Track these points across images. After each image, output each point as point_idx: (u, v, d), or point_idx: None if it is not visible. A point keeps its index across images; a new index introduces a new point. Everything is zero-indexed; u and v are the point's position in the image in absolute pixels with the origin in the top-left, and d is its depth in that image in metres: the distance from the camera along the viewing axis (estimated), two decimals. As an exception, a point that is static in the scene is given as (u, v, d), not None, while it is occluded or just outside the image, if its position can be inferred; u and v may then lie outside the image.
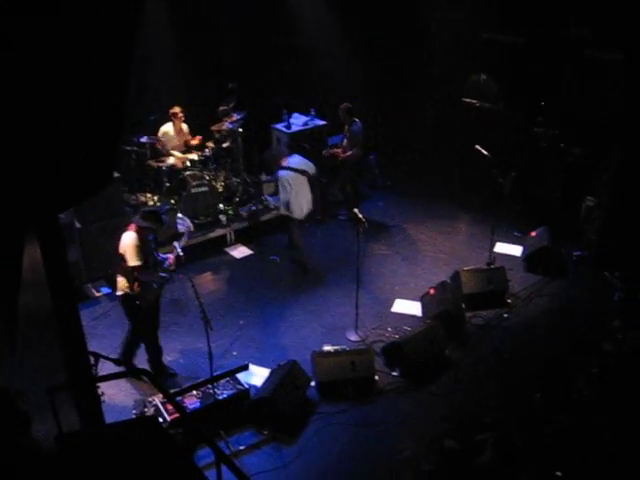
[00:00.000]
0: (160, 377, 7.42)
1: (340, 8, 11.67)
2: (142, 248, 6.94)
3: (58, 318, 3.89)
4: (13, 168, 2.22)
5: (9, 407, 2.12)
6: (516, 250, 10.19)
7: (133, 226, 7.02)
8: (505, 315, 8.82)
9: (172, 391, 6.78)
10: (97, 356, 4.42)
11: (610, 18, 9.21)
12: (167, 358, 7.97)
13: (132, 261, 6.91)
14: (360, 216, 8.13)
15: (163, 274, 7.26)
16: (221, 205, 10.52)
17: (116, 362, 5.37)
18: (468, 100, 12.38)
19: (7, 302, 2.70)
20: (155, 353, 7.61)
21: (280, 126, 11.23)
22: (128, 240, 6.95)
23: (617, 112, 9.45)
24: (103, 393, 5.04)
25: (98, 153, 2.35)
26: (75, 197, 2.50)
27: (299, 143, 11.01)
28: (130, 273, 7.01)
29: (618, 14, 8.95)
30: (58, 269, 3.88)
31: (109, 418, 5.59)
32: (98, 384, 4.66)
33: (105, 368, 6.80)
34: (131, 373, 4.04)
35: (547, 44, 10.60)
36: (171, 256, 7.41)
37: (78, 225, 8.88)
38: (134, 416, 6.76)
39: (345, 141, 10.93)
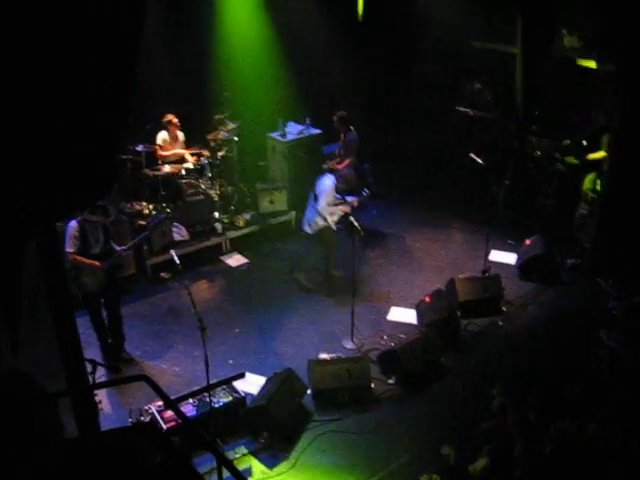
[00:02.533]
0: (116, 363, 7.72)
1: (333, 16, 11.75)
2: (80, 238, 7.41)
3: (56, 327, 3.91)
4: (13, 176, 2.24)
5: (36, 389, 2.11)
6: (510, 258, 10.23)
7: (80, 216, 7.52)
8: (500, 323, 8.86)
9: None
10: (94, 364, 4.43)
11: (602, 29, 9.28)
12: (162, 366, 8.02)
13: (66, 247, 7.39)
14: (356, 224, 8.17)
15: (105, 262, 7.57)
16: (216, 214, 10.52)
17: (113, 370, 5.38)
18: (462, 109, 12.47)
19: (7, 308, 2.71)
20: (111, 342, 8.03)
21: (275, 135, 11.27)
22: (67, 229, 7.50)
23: (608, 121, 9.53)
24: (100, 401, 5.04)
25: (98, 161, 2.38)
26: (74, 205, 2.52)
27: (294, 152, 11.06)
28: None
29: (610, 25, 9.02)
30: (56, 278, 3.91)
31: (106, 426, 5.60)
32: (95, 392, 4.67)
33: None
34: (128, 380, 4.05)
35: (540, 53, 10.67)
36: (121, 248, 7.83)
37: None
38: (131, 424, 6.76)
39: (341, 150, 10.99)
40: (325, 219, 9.00)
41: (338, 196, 9.12)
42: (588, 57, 10.53)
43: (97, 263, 7.52)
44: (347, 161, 10.82)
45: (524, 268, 9.84)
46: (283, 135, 11.18)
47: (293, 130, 11.34)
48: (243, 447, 6.86)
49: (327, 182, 9.06)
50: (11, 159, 2.21)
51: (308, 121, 11.38)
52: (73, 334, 4.06)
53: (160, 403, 6.72)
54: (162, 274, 9.76)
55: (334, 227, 9.18)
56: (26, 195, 2.30)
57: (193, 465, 2.60)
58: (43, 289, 3.85)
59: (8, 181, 2.24)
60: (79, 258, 7.46)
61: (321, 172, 11.20)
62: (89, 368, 4.56)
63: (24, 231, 2.61)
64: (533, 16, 10.49)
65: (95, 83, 2.18)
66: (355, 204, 9.20)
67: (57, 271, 3.90)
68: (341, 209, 9.07)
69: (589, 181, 6.43)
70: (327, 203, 8.93)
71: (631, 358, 7.51)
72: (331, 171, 10.98)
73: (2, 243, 2.68)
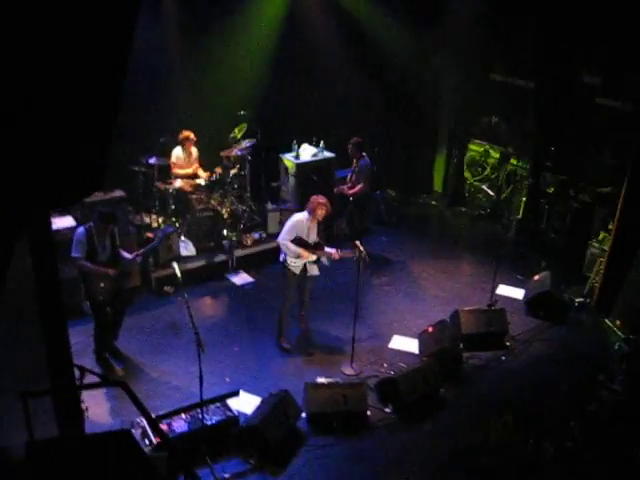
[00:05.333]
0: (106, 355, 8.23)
1: (354, 46, 11.83)
2: (87, 243, 7.52)
3: (44, 329, 3.87)
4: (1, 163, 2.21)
5: None
6: (518, 293, 10.10)
7: (89, 223, 7.72)
8: (503, 358, 8.72)
9: (160, 413, 6.70)
10: (83, 370, 4.37)
11: (621, 68, 9.25)
12: (158, 379, 7.96)
13: (73, 252, 7.54)
14: (361, 248, 8.09)
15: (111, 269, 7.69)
16: (225, 231, 10.50)
17: (102, 378, 5.32)
18: (477, 141, 12.43)
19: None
20: (104, 343, 8.22)
21: (289, 156, 11.28)
22: (75, 235, 7.66)
23: (624, 162, 9.45)
24: (87, 408, 4.97)
25: (89, 154, 2.35)
26: (64, 198, 2.49)
27: (307, 174, 11.05)
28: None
29: (630, 64, 8.99)
30: (48, 279, 3.87)
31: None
32: (82, 398, 4.60)
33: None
34: (106, 384, 3.99)
35: (558, 90, 10.65)
36: (131, 256, 8.00)
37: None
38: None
39: (353, 176, 10.96)
40: (286, 255, 8.27)
41: (332, 249, 8.32)
42: (608, 96, 10.46)
43: (108, 270, 7.64)
44: (358, 187, 10.79)
45: (531, 304, 9.71)
46: (296, 156, 11.19)
47: (307, 152, 11.34)
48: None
49: (296, 216, 8.40)
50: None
51: (323, 144, 11.37)
52: (62, 337, 4.01)
53: (153, 416, 6.64)
54: (166, 288, 9.74)
55: (296, 270, 8.33)
56: (15, 182, 2.27)
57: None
58: (34, 290, 3.82)
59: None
60: (87, 264, 7.58)
61: (332, 195, 11.25)
62: (77, 375, 4.52)
63: (14, 221, 2.58)
64: (554, 52, 10.51)
65: (87, 76, 2.16)
66: (335, 256, 8.28)
67: (50, 272, 3.86)
68: (302, 253, 8.17)
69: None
70: (288, 238, 8.17)
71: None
72: (341, 194, 10.98)
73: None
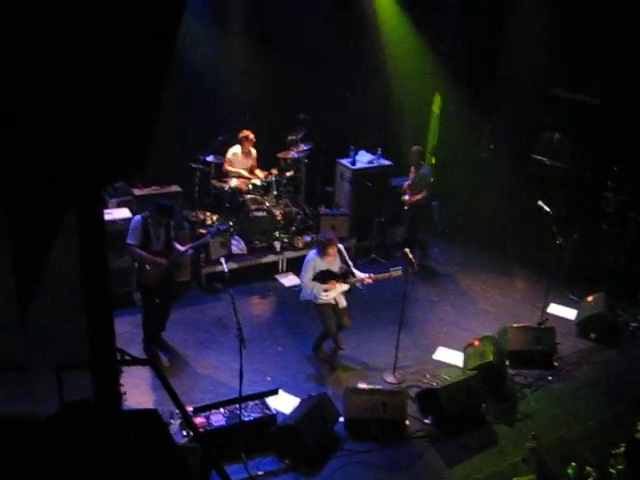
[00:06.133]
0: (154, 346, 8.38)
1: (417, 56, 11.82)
2: (141, 232, 7.74)
3: (87, 309, 3.94)
4: (50, 142, 2.27)
5: None
6: (570, 313, 9.85)
7: (146, 212, 7.93)
8: (550, 378, 8.51)
9: (198, 406, 6.77)
10: (123, 353, 4.46)
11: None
12: (200, 372, 8.08)
13: (128, 239, 7.79)
14: (410, 256, 8.04)
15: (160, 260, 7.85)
16: (277, 232, 10.58)
17: (141, 363, 5.41)
18: (538, 157, 12.18)
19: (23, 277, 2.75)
20: (152, 332, 8.37)
21: (345, 161, 11.29)
22: (131, 222, 7.97)
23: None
24: (125, 392, 5.06)
25: (133, 133, 2.40)
26: (107, 176, 2.55)
27: (362, 180, 11.03)
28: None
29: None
30: (95, 261, 3.94)
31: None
32: (122, 383, 4.68)
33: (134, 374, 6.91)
34: (136, 362, 4.04)
35: (625, 108, 10.37)
36: (184, 248, 8.19)
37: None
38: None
39: (412, 184, 10.82)
40: (315, 296, 8.05)
41: (363, 275, 8.19)
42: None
43: (160, 259, 7.83)
44: (421, 195, 10.68)
45: (582, 325, 9.46)
46: (353, 162, 11.19)
47: (363, 158, 11.34)
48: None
49: (308, 257, 8.20)
50: (48, 125, 2.24)
51: (380, 151, 11.34)
52: (107, 318, 4.07)
53: (191, 409, 6.72)
54: (216, 284, 9.86)
55: (342, 302, 8.26)
56: (59, 160, 2.33)
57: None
58: (79, 271, 3.90)
59: (46, 146, 2.28)
60: (140, 252, 7.80)
61: (387, 202, 11.18)
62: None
63: (59, 199, 2.64)
64: (622, 69, 10.25)
65: (134, 50, 2.21)
66: (368, 281, 8.17)
67: (97, 254, 3.94)
68: (331, 285, 8.00)
69: None
70: (307, 278, 8.03)
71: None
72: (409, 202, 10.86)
73: (41, 213, 2.72)
